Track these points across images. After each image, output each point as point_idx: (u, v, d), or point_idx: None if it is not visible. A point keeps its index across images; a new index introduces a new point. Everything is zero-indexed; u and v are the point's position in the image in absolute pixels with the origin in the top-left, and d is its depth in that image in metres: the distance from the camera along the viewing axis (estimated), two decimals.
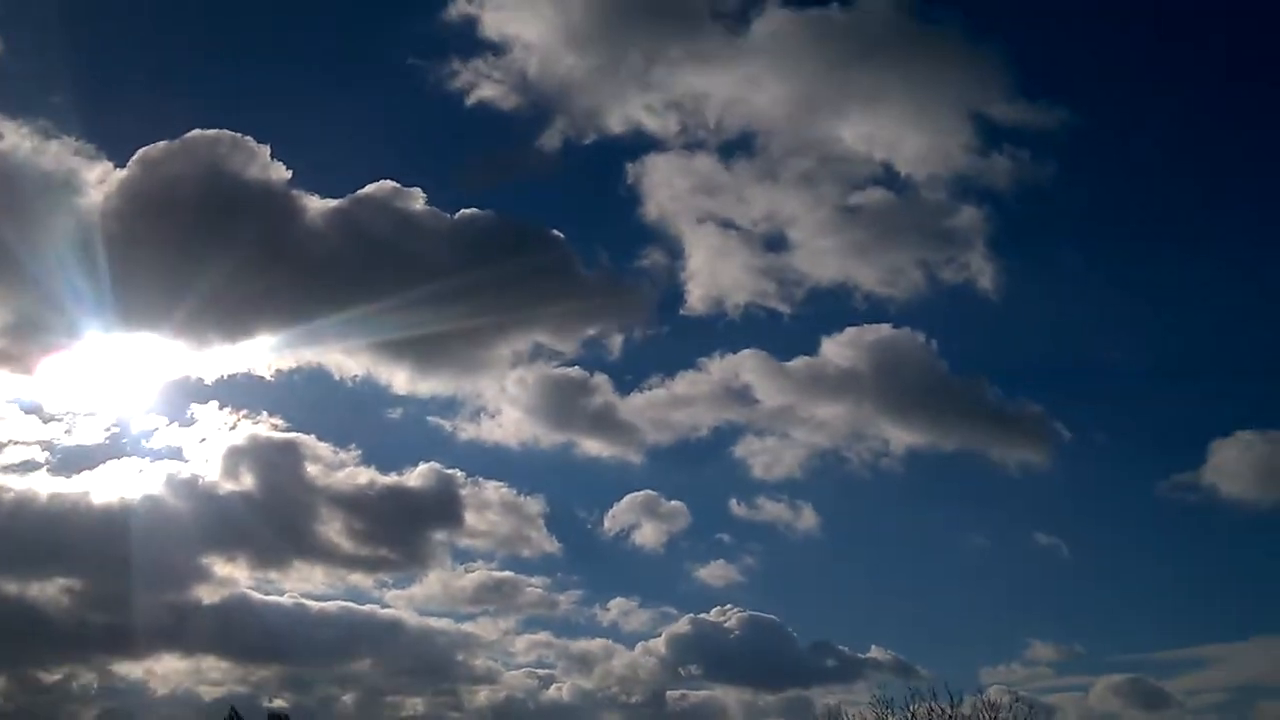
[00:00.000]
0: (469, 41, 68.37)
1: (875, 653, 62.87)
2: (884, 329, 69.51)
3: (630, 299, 69.33)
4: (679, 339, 72.46)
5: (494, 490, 65.88)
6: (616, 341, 69.26)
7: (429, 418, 68.44)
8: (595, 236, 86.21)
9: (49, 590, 54.48)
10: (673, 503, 68.61)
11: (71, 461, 60.12)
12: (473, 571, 65.27)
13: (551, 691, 62.95)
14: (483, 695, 62.15)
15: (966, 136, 67.75)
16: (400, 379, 64.42)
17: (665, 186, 70.95)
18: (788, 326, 71.49)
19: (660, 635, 63.80)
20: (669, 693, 62.38)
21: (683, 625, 63.96)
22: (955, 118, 68.85)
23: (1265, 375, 68.08)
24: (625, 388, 69.13)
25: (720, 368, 69.51)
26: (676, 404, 69.17)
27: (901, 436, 69.09)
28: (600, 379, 68.58)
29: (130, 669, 56.39)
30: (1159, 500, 69.94)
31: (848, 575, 76.86)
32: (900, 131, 70.74)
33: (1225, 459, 64.75)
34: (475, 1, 66.31)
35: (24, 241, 52.88)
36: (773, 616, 65.28)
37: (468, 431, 68.10)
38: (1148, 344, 74.70)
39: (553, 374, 68.89)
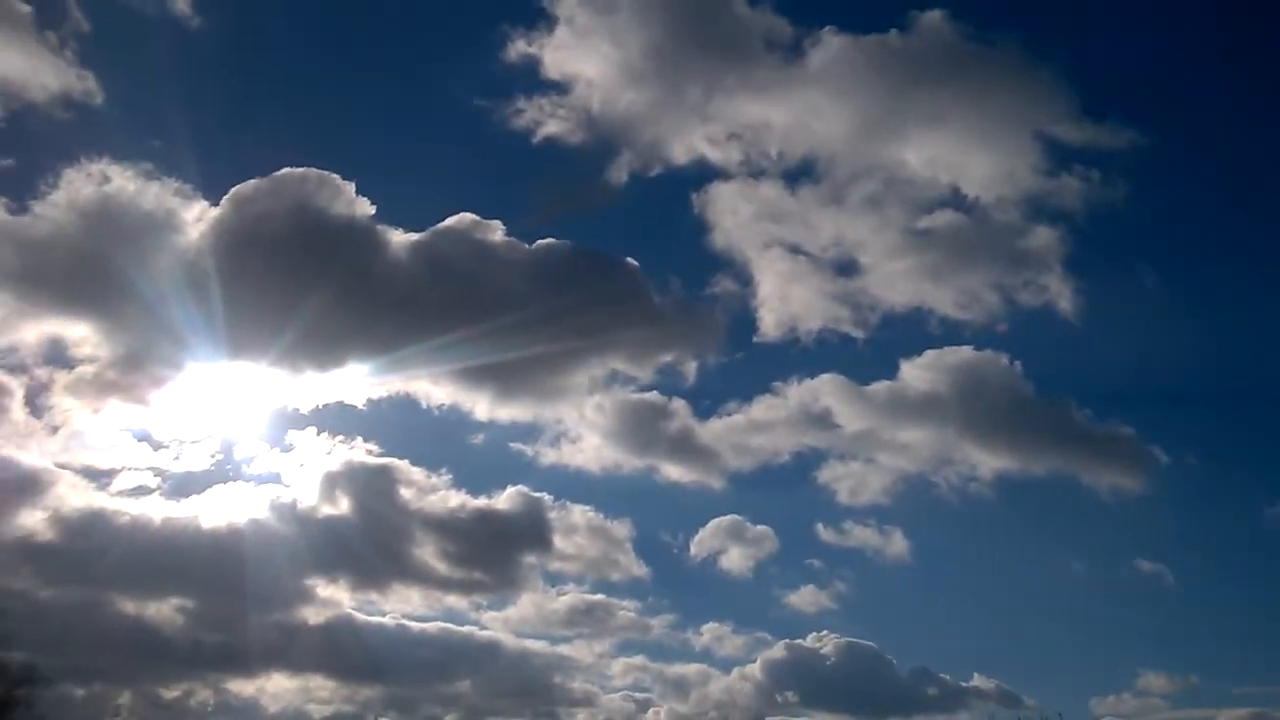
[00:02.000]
0: (532, 81, 70.97)
1: (978, 681, 62.54)
2: (965, 351, 69.46)
3: (703, 325, 70.80)
4: (754, 364, 73.50)
5: (580, 514, 66.95)
6: (691, 367, 70.10)
7: (511, 443, 70.11)
8: (666, 265, 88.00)
9: (164, 610, 56.73)
10: (759, 527, 68.99)
11: (181, 487, 62.63)
12: (564, 594, 66.17)
13: (649, 716, 63.43)
14: (581, 718, 63.23)
15: (1034, 157, 68.08)
16: (483, 405, 66.10)
17: (731, 214, 71.99)
18: (864, 351, 72.04)
19: (755, 661, 63.87)
20: (768, 719, 62.22)
21: (778, 651, 63.89)
22: (1021, 138, 69.27)
23: None
24: (703, 413, 70.08)
25: (798, 393, 69.94)
26: (756, 429, 69.70)
27: (989, 461, 68.65)
28: (678, 404, 69.40)
29: (243, 687, 58.30)
30: (1267, 526, 68.89)
31: (943, 602, 76.42)
32: (965, 154, 71.11)
33: None
34: (535, 42, 68.85)
35: (131, 279, 56.73)
36: (870, 643, 64.72)
37: (549, 456, 69.23)
38: (1234, 365, 73.59)
39: (630, 400, 69.72)
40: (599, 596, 66.43)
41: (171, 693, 57.62)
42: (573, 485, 73.84)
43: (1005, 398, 68.71)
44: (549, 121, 69.24)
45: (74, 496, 56.91)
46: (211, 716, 57.40)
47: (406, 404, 65.66)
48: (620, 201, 73.17)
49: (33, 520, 54.41)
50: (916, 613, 75.99)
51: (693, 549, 68.73)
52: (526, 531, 66.08)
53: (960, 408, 68.03)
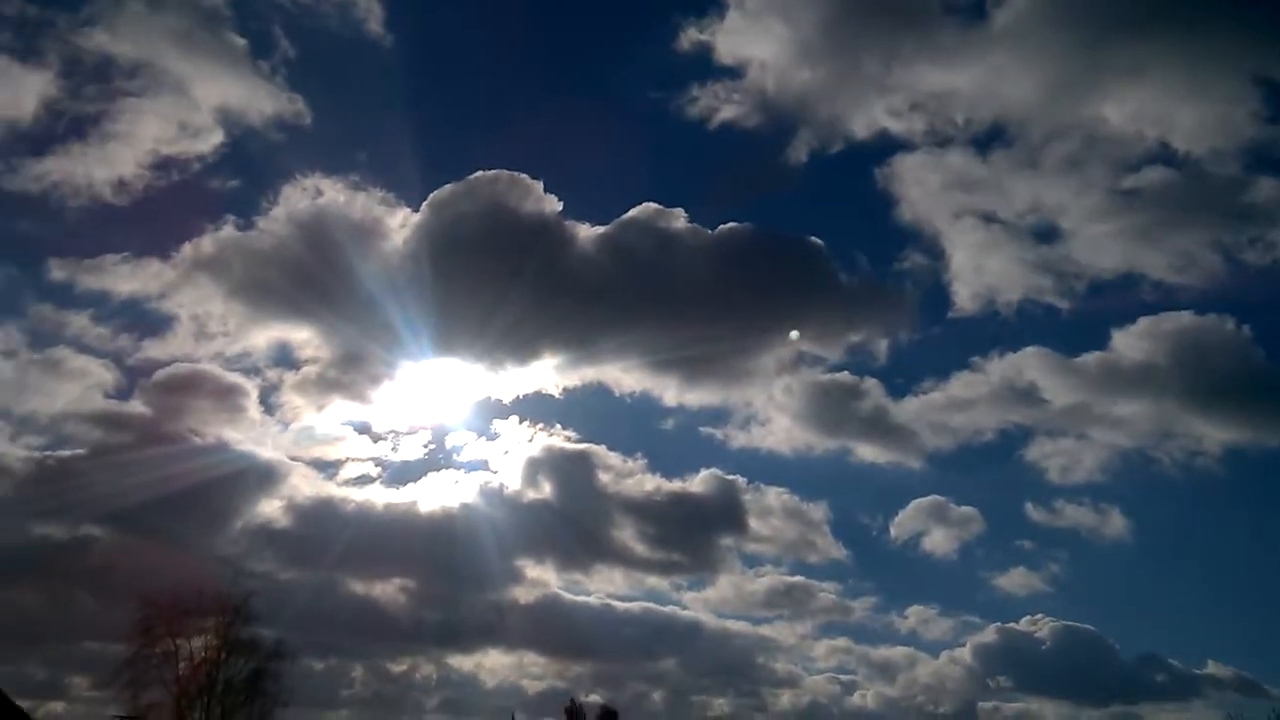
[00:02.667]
0: (705, 68, 72.82)
1: (1213, 669, 59.88)
2: (1184, 317, 65.92)
3: (893, 302, 69.72)
4: (949, 340, 72.44)
5: (775, 496, 67.36)
6: (882, 346, 69.39)
7: (701, 428, 71.22)
8: (851, 242, 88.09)
9: (389, 590, 60.80)
10: (963, 508, 68.25)
11: (399, 475, 69.21)
12: (763, 576, 66.82)
13: (855, 698, 63.70)
14: (786, 698, 63.96)
15: (1254, 104, 63.59)
16: (672, 391, 67.73)
17: (917, 186, 70.89)
18: (1070, 321, 69.82)
19: (965, 644, 63.12)
20: (980, 704, 61.29)
21: (988, 634, 62.76)
22: (1237, 84, 64.57)
23: None
24: (897, 391, 70.06)
25: (1000, 368, 68.52)
26: (955, 406, 68.73)
27: (1216, 433, 65.15)
28: (870, 383, 68.78)
29: (462, 662, 61.90)
30: None
31: (1169, 584, 72.72)
32: (1173, 105, 67.06)
33: None
34: (706, 29, 69.38)
35: (346, 285, 61.21)
36: (1089, 627, 62.51)
37: (740, 439, 70.05)
38: None
39: (820, 380, 69.23)
40: (798, 578, 66.98)
41: (398, 667, 61.92)
42: (765, 467, 74.00)
43: (1232, 364, 64.69)
44: (724, 107, 69.97)
45: (306, 486, 62.96)
46: (434, 689, 61.03)
47: (599, 392, 67.92)
48: (801, 181, 72.84)
49: (271, 509, 60.28)
50: (1140, 596, 72.74)
51: (893, 531, 68.33)
52: (722, 514, 67.07)
53: (1181, 377, 64.77)
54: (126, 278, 62.44)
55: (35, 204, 59.80)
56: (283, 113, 64.55)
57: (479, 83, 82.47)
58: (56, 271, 62.87)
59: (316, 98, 67.53)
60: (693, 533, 66.18)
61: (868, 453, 69.29)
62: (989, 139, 69.94)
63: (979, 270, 70.82)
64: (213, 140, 61.66)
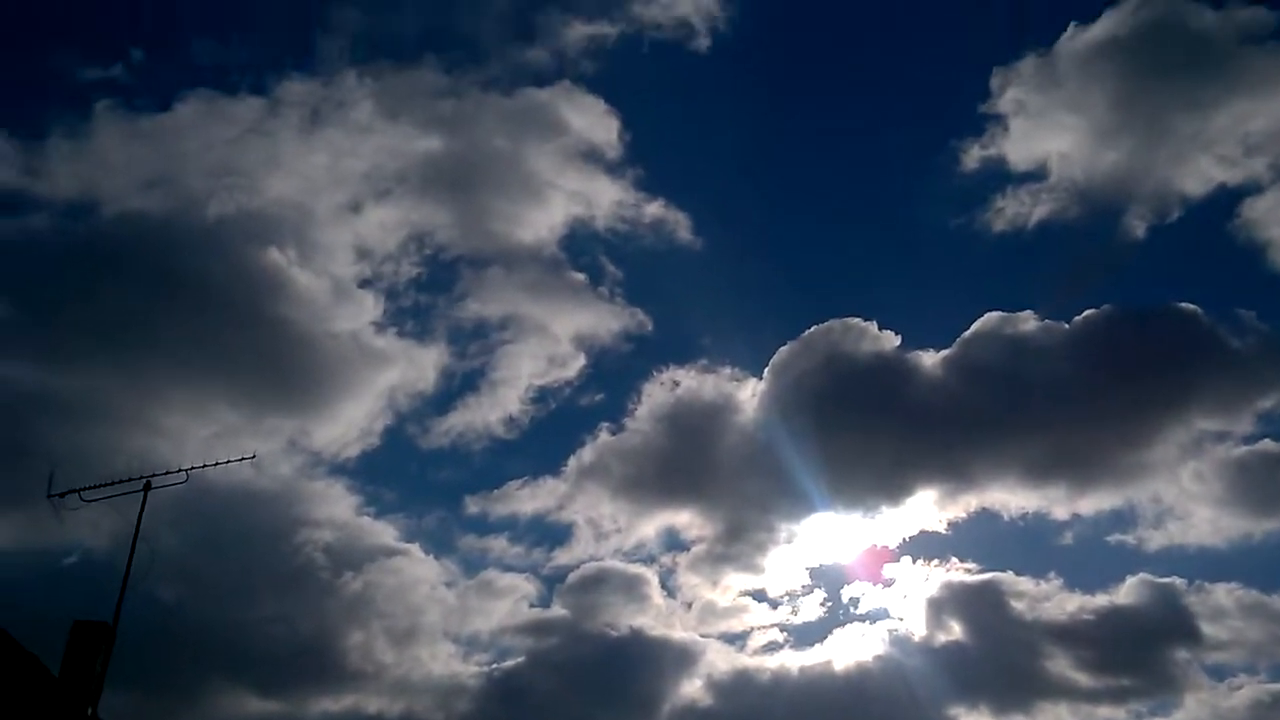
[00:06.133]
0: (1001, 179, 68.93)
1: None
2: None
3: None
4: None
5: (1226, 594, 59.05)
6: None
7: (1107, 537, 63.71)
8: (1227, 303, 77.91)
9: None
10: None
11: (804, 636, 71.09)
12: (1239, 689, 56.82)
13: None
14: None
15: None
16: (1063, 502, 61.55)
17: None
18: None
19: None
20: None
21: None
22: None
23: None
24: None
25: None
26: None
27: None
28: None
29: None
30: None
31: None
32: None
33: None
34: (989, 145, 66.16)
35: (713, 463, 62.69)
36: None
37: (1156, 540, 61.81)
38: None
39: (1236, 456, 61.04)
40: None
41: None
42: (1200, 564, 65.35)
43: None
44: (1039, 207, 65.40)
45: (720, 661, 59.70)
46: None
47: (985, 518, 62.90)
48: (1148, 256, 68.26)
49: (693, 689, 58.08)
50: None
51: None
52: (1166, 623, 58.50)
53: None
54: (528, 499, 64.50)
55: (447, 455, 66.08)
56: (627, 326, 67.68)
57: (787, 245, 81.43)
58: (472, 507, 65.54)
59: (651, 306, 70.60)
60: (1137, 650, 58.29)
61: None
62: None
63: None
64: (576, 365, 65.62)
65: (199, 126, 65.85)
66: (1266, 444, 59.42)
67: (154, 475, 16.40)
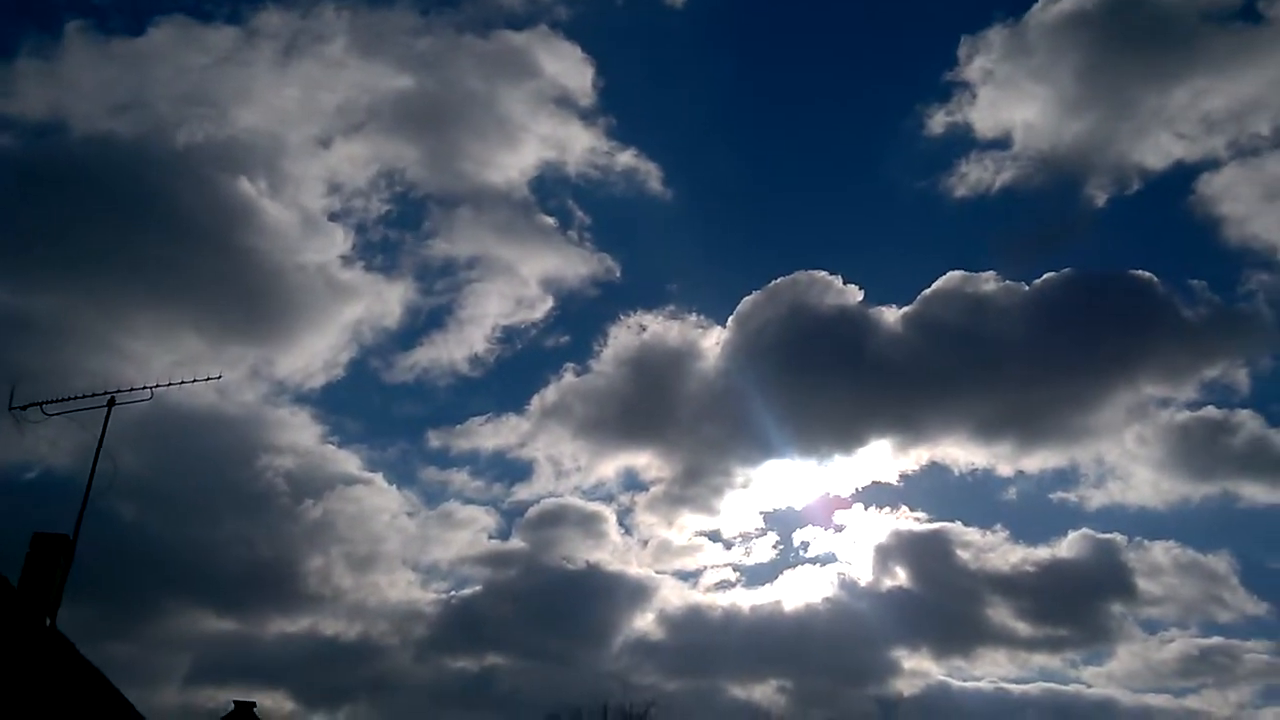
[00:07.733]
0: (967, 144, 72.28)
1: None
2: None
3: (1246, 326, 62.59)
4: None
5: (1163, 551, 60.76)
6: (1242, 375, 63.09)
7: (1051, 494, 65.88)
8: (1181, 274, 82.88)
9: (768, 691, 56.18)
10: None
11: (756, 577, 73.44)
12: (1170, 642, 59.06)
13: None
14: None
15: None
16: (1010, 458, 63.58)
17: (1237, 203, 66.14)
18: None
19: None
20: None
21: None
22: None
23: None
24: (1277, 420, 63.23)
25: None
26: None
27: None
28: (1242, 416, 61.59)
29: None
30: None
31: None
32: None
33: None
34: (955, 111, 67.70)
35: (674, 407, 65.06)
36: None
37: (1098, 499, 63.79)
38: None
39: (1179, 421, 62.54)
40: (1214, 640, 58.74)
41: None
42: (1140, 523, 69.64)
43: None
44: (1002, 173, 67.30)
45: (674, 597, 61.66)
46: None
47: (936, 470, 64.72)
48: (1108, 225, 70.03)
49: (645, 622, 59.88)
50: None
51: None
52: (1105, 577, 59.71)
53: None
54: (490, 435, 68.16)
55: (412, 389, 69.43)
56: (595, 271, 69.66)
57: (755, 199, 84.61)
58: (434, 440, 70.74)
59: (619, 252, 74.46)
60: (1076, 602, 59.19)
61: (1258, 492, 61.27)
62: None
63: None
64: (544, 307, 67.99)
65: (172, 52, 65.09)
66: (1209, 410, 62.28)
67: (118, 391, 16.25)
